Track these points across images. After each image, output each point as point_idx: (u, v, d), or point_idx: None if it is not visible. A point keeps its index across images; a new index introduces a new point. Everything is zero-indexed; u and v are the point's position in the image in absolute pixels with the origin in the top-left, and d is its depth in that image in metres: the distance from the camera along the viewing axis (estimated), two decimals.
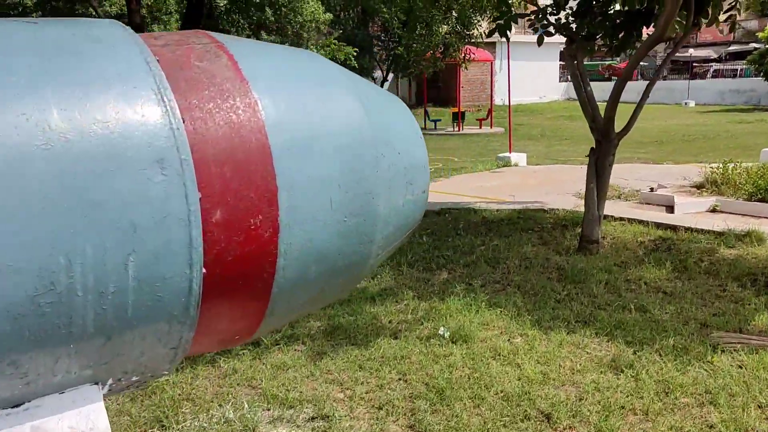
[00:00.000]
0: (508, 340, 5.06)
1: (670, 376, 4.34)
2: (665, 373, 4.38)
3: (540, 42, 7.76)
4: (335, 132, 2.10)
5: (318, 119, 2.08)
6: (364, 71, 33.28)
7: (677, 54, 42.42)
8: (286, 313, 2.19)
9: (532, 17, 7.60)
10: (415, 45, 22.02)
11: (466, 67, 26.18)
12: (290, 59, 2.22)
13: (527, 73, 36.08)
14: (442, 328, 5.21)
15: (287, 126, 2.00)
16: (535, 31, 7.70)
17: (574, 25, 7.53)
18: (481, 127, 25.18)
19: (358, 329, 5.33)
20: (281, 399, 4.28)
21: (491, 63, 26.88)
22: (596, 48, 7.79)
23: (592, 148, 7.29)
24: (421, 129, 19.71)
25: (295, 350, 5.04)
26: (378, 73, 34.57)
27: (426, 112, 25.92)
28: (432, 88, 35.92)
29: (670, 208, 9.36)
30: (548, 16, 7.53)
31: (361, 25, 34.04)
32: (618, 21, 7.33)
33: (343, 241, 2.16)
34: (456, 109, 25.23)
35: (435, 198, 11.13)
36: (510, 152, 16.65)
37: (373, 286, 6.46)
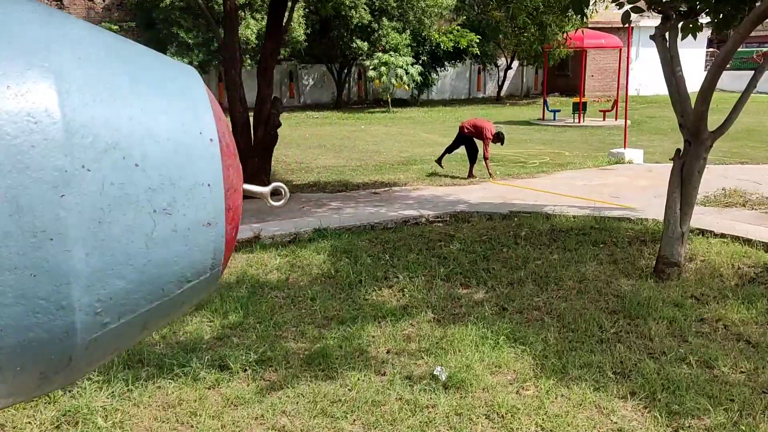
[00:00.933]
0: (517, 391, 4.01)
1: None
2: None
3: (625, 20, 6.47)
4: None
5: None
6: (488, 58, 32.00)
7: None
8: None
9: None
10: (504, 27, 20.40)
11: (559, 54, 24.33)
12: None
13: None
14: (438, 368, 4.24)
15: None
16: (620, 6, 6.43)
17: None
18: (604, 119, 23.25)
19: (344, 358, 4.47)
20: None
21: (620, 50, 24.74)
22: (699, 27, 6.39)
23: (678, 150, 5.97)
24: (539, 120, 17.96)
25: (262, 379, 4.26)
26: (502, 61, 33.15)
27: (545, 102, 24.25)
28: (560, 77, 33.96)
29: None
30: None
31: (486, 10, 32.70)
32: None
33: None
34: (577, 99, 23.40)
35: (521, 195, 10.00)
36: (624, 148, 14.98)
37: (391, 300, 5.57)
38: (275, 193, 2.06)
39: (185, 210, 1.59)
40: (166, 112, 1.60)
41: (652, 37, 6.23)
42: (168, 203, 1.55)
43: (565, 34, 14.95)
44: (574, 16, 9.25)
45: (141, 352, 4.56)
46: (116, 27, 25.32)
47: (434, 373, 4.20)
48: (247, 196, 1.88)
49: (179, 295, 1.69)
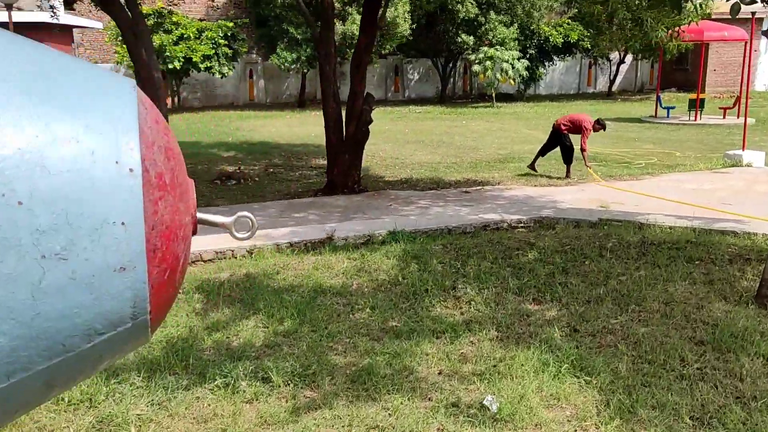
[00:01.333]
0: (574, 431, 3.60)
1: None
2: None
3: (735, 12, 5.80)
4: None
5: None
6: (599, 52, 30.64)
7: None
8: None
9: None
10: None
11: (672, 50, 22.84)
12: None
13: None
14: (489, 397, 3.88)
15: None
16: None
17: None
18: (724, 117, 21.66)
19: (390, 378, 4.18)
20: None
21: (745, 42, 23.01)
22: None
23: None
24: (651, 117, 17.04)
25: (303, 396, 4.05)
26: (615, 54, 31.68)
27: (658, 98, 22.84)
28: (678, 71, 32.11)
29: None
30: None
31: (586, 5, 31.32)
32: None
33: None
34: (694, 96, 21.90)
35: (620, 198, 9.37)
36: (743, 149, 13.79)
37: (455, 314, 5.22)
38: (241, 224, 1.80)
39: (87, 254, 1.34)
40: (72, 138, 1.35)
41: (764, 33, 5.55)
42: (62, 247, 1.31)
43: (677, 28, 13.88)
44: (690, 9, 8.54)
45: (187, 357, 4.46)
46: (231, 24, 26.03)
47: (484, 402, 3.84)
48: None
49: (90, 349, 1.45)
